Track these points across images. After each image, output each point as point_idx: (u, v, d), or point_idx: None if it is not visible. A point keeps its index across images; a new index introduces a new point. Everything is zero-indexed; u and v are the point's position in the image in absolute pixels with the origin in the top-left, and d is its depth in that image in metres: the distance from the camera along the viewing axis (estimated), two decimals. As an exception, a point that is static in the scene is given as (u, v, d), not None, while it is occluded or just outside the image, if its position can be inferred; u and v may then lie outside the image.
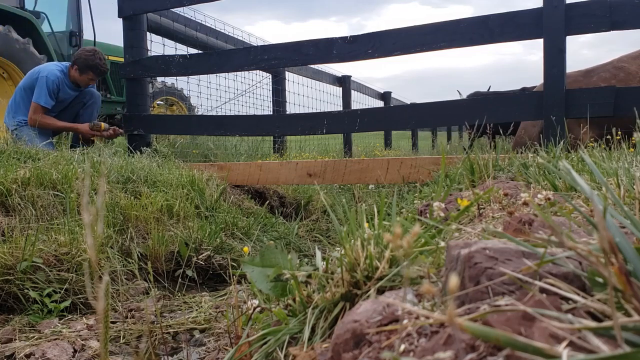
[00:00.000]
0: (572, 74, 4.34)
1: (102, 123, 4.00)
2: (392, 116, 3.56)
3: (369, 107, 7.81)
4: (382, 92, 10.13)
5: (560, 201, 1.01)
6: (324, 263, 0.89)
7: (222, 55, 3.85)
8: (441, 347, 0.47)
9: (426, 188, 2.20)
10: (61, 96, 3.95)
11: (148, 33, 4.14)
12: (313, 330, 0.79)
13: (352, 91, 8.08)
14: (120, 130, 4.03)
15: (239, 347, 0.91)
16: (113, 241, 2.31)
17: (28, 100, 3.90)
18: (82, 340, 1.61)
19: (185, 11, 4.83)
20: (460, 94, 9.75)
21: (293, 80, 6.50)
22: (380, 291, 0.75)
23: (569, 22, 2.80)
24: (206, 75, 4.93)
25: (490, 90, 8.82)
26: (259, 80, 6.41)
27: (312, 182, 3.61)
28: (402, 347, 0.53)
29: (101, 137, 4.01)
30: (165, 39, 4.59)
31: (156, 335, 1.60)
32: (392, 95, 10.38)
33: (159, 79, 7.00)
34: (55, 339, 1.62)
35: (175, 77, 6.43)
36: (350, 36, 3.33)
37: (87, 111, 4.15)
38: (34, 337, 1.65)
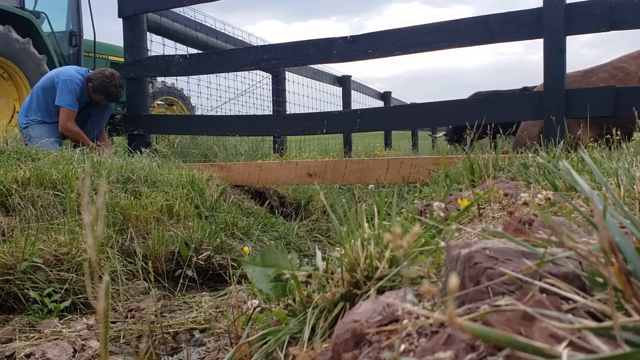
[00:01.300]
0: (572, 74, 4.34)
1: None
2: (392, 116, 3.56)
3: (369, 107, 7.81)
4: (382, 92, 10.13)
5: (560, 201, 1.01)
6: (324, 263, 0.89)
7: (222, 55, 3.85)
8: (441, 347, 0.47)
9: (426, 188, 2.20)
10: (80, 100, 4.01)
11: (148, 33, 4.14)
12: (313, 330, 0.79)
13: (352, 91, 8.08)
14: None
15: (239, 347, 0.91)
16: (113, 241, 2.31)
17: (43, 101, 3.95)
18: (82, 340, 1.61)
19: (185, 11, 4.83)
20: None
21: (293, 80, 6.51)
22: (380, 291, 0.75)
23: (569, 22, 2.80)
24: (206, 75, 4.93)
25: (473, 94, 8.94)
26: (259, 80, 6.41)
27: (312, 182, 3.61)
28: (402, 347, 0.53)
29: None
30: (165, 39, 4.59)
31: (156, 335, 1.60)
32: (392, 95, 10.38)
33: (159, 79, 7.00)
34: (55, 339, 1.62)
35: (175, 77, 6.43)
36: (350, 36, 3.33)
37: (99, 113, 4.19)
38: (34, 337, 1.65)
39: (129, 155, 3.56)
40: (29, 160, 2.67)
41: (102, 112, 4.19)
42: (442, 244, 0.81)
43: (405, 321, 0.56)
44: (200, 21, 5.10)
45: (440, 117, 3.50)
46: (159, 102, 7.12)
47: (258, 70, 6.01)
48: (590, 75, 4.28)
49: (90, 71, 4.10)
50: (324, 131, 3.52)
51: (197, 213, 2.91)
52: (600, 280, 0.49)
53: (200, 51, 4.92)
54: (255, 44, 5.72)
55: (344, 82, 7.91)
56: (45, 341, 1.60)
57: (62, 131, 3.90)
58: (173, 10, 4.45)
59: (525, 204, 1.10)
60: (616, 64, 4.20)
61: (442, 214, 0.96)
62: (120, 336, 1.69)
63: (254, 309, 1.01)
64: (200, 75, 4.94)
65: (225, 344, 1.39)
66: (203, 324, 1.81)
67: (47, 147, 3.36)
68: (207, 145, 5.18)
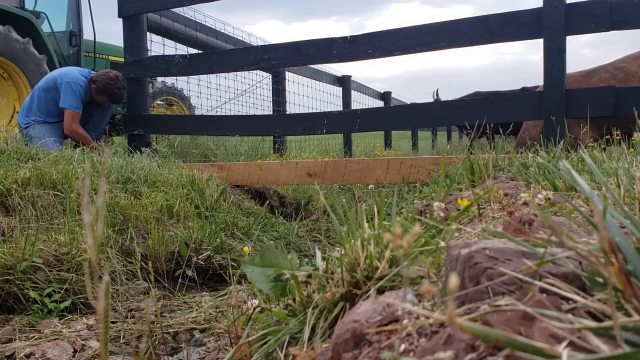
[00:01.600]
0: (573, 74, 4.33)
1: None
2: (392, 116, 3.56)
3: (369, 107, 7.81)
4: (382, 92, 10.13)
5: (560, 201, 1.01)
6: (324, 263, 0.89)
7: (222, 55, 3.85)
8: (441, 347, 0.47)
9: (426, 188, 2.20)
10: (83, 101, 4.04)
11: (148, 33, 4.15)
12: (313, 330, 0.79)
13: (352, 91, 8.08)
14: None
15: (239, 347, 0.91)
16: (113, 241, 2.31)
17: (45, 102, 3.97)
18: (82, 340, 1.61)
19: (185, 11, 4.83)
20: (436, 94, 9.93)
21: (293, 80, 6.51)
22: (380, 291, 0.75)
23: (569, 22, 2.80)
24: (206, 75, 4.93)
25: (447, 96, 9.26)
26: (259, 80, 6.41)
27: (312, 182, 3.61)
28: (402, 347, 0.53)
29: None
30: (165, 39, 4.59)
31: (156, 335, 1.60)
32: (392, 95, 10.38)
33: (159, 79, 7.00)
34: (55, 339, 1.62)
35: (175, 77, 6.43)
36: (350, 36, 3.33)
37: (101, 114, 4.22)
38: (34, 337, 1.65)
39: (129, 155, 3.56)
40: (29, 160, 2.67)
41: (103, 112, 4.21)
42: (442, 244, 0.81)
43: (405, 321, 0.56)
44: (200, 21, 5.10)
45: (440, 117, 3.51)
46: (159, 102, 7.11)
47: (258, 70, 6.01)
48: (591, 75, 4.27)
49: (92, 72, 4.11)
50: (324, 131, 3.52)
51: (197, 213, 2.91)
52: (600, 280, 0.49)
53: (200, 51, 4.92)
54: (255, 44, 5.72)
55: (344, 82, 7.91)
56: (45, 341, 1.60)
57: (68, 133, 3.94)
58: (173, 10, 4.45)
59: (525, 204, 1.10)
60: (617, 64, 4.20)
61: (442, 214, 0.96)
62: (120, 336, 1.69)
63: (254, 309, 1.01)
64: (200, 75, 4.95)
65: (225, 344, 1.39)
66: (203, 324, 1.81)
67: (48, 146, 3.37)
68: (207, 145, 5.18)
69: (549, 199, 0.99)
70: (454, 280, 0.37)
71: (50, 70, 4.52)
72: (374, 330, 0.59)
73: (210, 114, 5.48)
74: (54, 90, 3.94)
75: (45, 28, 5.45)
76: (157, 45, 5.69)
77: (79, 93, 3.92)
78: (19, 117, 4.10)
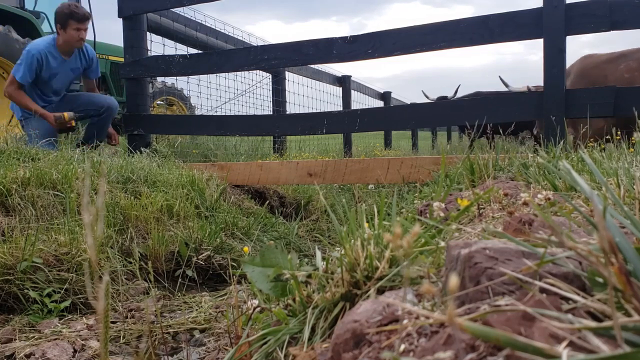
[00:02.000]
0: (600, 57, 4.18)
1: (66, 114, 3.82)
2: (392, 116, 3.56)
3: (369, 107, 7.81)
4: (382, 92, 10.13)
5: (560, 201, 1.01)
6: (324, 263, 0.89)
7: (222, 55, 3.85)
8: (441, 347, 0.47)
9: (426, 188, 2.20)
10: (47, 70, 3.84)
11: (148, 33, 4.14)
12: (313, 330, 0.79)
13: (352, 91, 8.08)
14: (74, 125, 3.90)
15: (239, 347, 0.91)
16: (113, 241, 2.31)
17: (31, 90, 3.87)
18: (82, 340, 1.61)
19: (185, 11, 4.83)
20: (426, 95, 10.01)
21: (293, 80, 6.51)
22: (380, 291, 0.75)
23: (569, 22, 2.80)
24: (206, 75, 4.93)
25: (458, 90, 9.51)
26: (259, 80, 6.41)
27: (312, 182, 3.61)
28: (402, 347, 0.53)
29: (70, 128, 3.90)
30: (165, 39, 4.59)
31: (156, 335, 1.60)
32: (392, 95, 10.38)
33: (159, 79, 6.99)
34: (55, 339, 1.62)
35: (175, 77, 6.43)
36: (350, 36, 3.33)
37: (85, 79, 4.19)
38: (34, 337, 1.65)
39: (129, 155, 3.56)
40: (29, 160, 2.67)
41: (83, 75, 4.13)
42: (442, 244, 0.81)
43: (405, 321, 0.56)
44: (200, 21, 5.10)
45: (440, 117, 3.51)
46: (159, 102, 7.11)
47: (258, 70, 6.01)
48: (619, 61, 4.11)
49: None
50: (324, 131, 3.52)
51: (197, 213, 2.91)
52: (600, 280, 0.49)
53: (200, 51, 4.92)
54: (255, 44, 5.72)
55: (344, 82, 7.91)
56: (45, 341, 1.60)
57: (6, 96, 3.80)
58: (173, 10, 4.45)
59: (525, 204, 1.10)
60: None
61: (442, 214, 0.96)
62: (120, 336, 1.69)
63: (254, 309, 1.01)
64: (200, 75, 4.95)
65: (225, 344, 1.39)
66: (203, 324, 1.81)
67: (44, 146, 3.35)
68: (207, 145, 5.18)
69: (549, 199, 0.99)
70: (454, 280, 0.37)
71: None
72: (374, 330, 0.59)
73: (210, 114, 5.48)
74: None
75: (45, 28, 5.45)
76: (157, 45, 5.68)
77: (30, 60, 3.73)
78: (12, 105, 3.99)
